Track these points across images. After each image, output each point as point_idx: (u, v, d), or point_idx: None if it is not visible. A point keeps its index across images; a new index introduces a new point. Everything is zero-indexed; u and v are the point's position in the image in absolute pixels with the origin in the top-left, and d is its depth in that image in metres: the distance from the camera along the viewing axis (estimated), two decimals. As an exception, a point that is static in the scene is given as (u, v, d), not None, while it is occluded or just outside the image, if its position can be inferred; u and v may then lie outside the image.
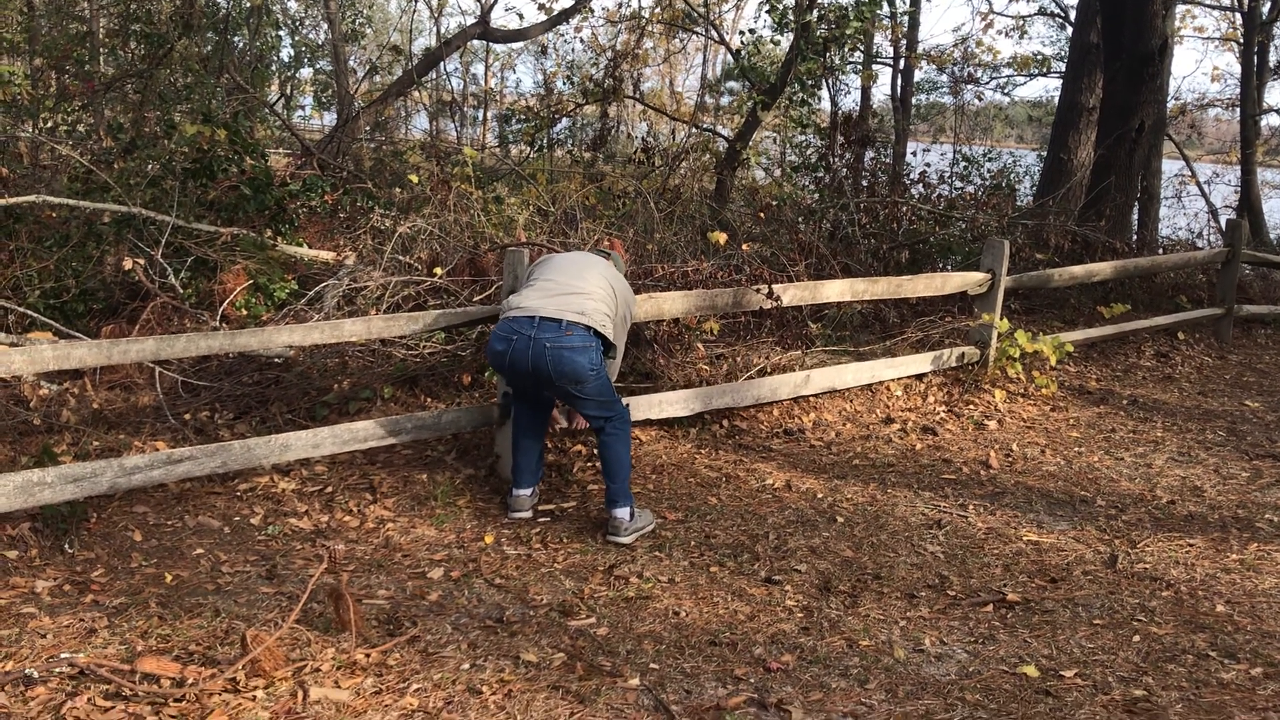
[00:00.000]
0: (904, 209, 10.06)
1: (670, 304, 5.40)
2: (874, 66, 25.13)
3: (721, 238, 6.33)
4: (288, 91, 15.14)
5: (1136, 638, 3.69)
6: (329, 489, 4.68)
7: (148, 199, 6.55)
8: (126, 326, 5.89)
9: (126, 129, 7.33)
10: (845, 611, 3.85)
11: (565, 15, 13.07)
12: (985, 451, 5.83)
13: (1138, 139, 11.36)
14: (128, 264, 6.01)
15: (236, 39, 15.37)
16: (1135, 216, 14.61)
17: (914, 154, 20.13)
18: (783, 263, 7.05)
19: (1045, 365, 7.17)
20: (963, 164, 17.07)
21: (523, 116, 15.59)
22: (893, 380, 6.68)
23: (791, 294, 5.91)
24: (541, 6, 12.89)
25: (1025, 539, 4.62)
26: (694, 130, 17.13)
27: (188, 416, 5.12)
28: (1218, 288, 9.15)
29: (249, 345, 4.24)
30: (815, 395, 6.27)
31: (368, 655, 3.31)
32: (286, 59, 15.96)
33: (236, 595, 3.74)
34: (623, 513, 4.43)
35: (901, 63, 24.92)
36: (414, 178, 7.05)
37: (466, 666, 3.31)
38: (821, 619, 3.78)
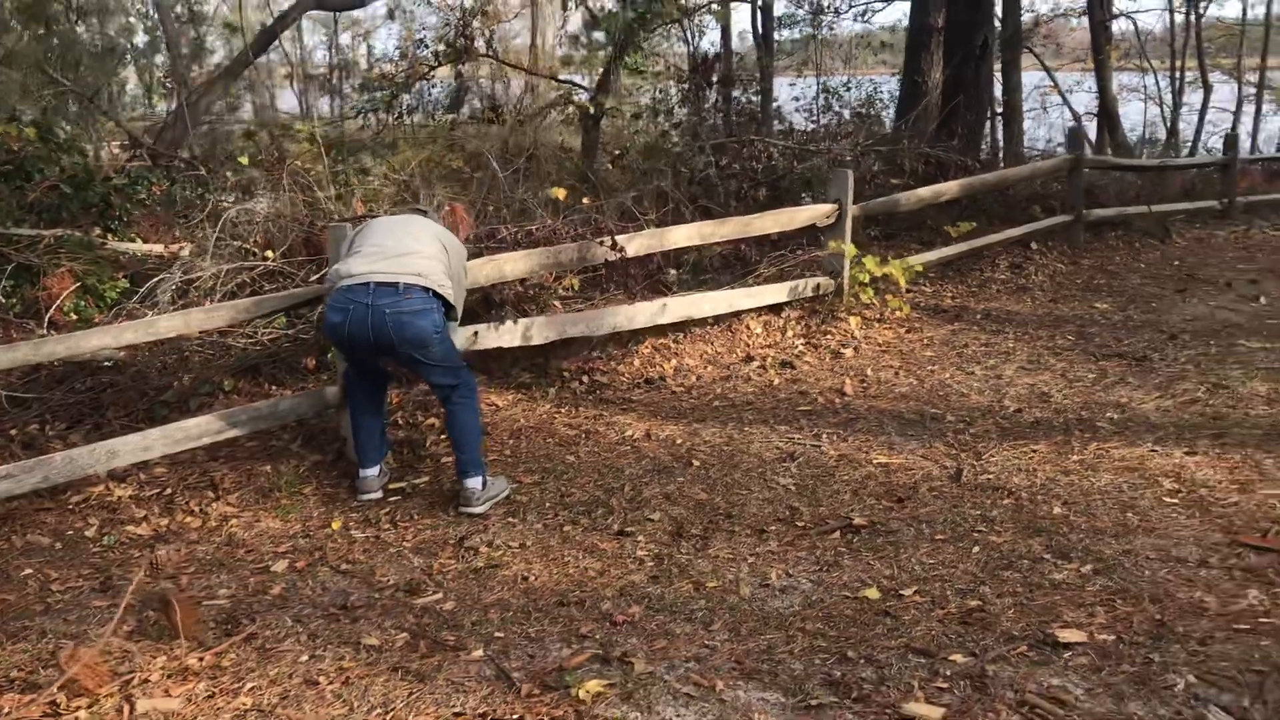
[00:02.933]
0: (759, 147, 10.07)
1: (512, 265, 5.32)
2: (731, 4, 25.11)
3: (561, 193, 6.25)
4: (148, 80, 14.42)
5: (976, 549, 3.77)
6: (168, 491, 4.52)
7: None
8: (-53, 344, 5.59)
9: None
10: (695, 555, 3.86)
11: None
12: (841, 379, 5.89)
13: (983, 55, 11.55)
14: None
15: (81, 28, 14.62)
16: (997, 133, 14.84)
17: (780, 91, 20.16)
18: (634, 213, 7.01)
19: (898, 289, 7.26)
20: (824, 96, 17.19)
21: (378, 85, 15.22)
22: (751, 316, 6.71)
23: (638, 243, 5.87)
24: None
25: (875, 462, 4.68)
26: (555, 85, 16.95)
27: (14, 432, 4.89)
28: (1067, 195, 9.37)
29: (56, 352, 4.05)
30: (674, 332, 6.27)
31: (201, 659, 3.21)
32: (141, 45, 15.26)
33: (67, 613, 3.59)
34: (474, 483, 4.36)
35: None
36: (243, 159, 6.82)
37: (305, 658, 3.23)
38: (671, 565, 3.78)
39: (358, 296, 4.12)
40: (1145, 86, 22.21)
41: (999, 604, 3.35)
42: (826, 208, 6.89)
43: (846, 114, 14.23)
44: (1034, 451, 4.71)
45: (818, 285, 6.89)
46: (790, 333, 6.71)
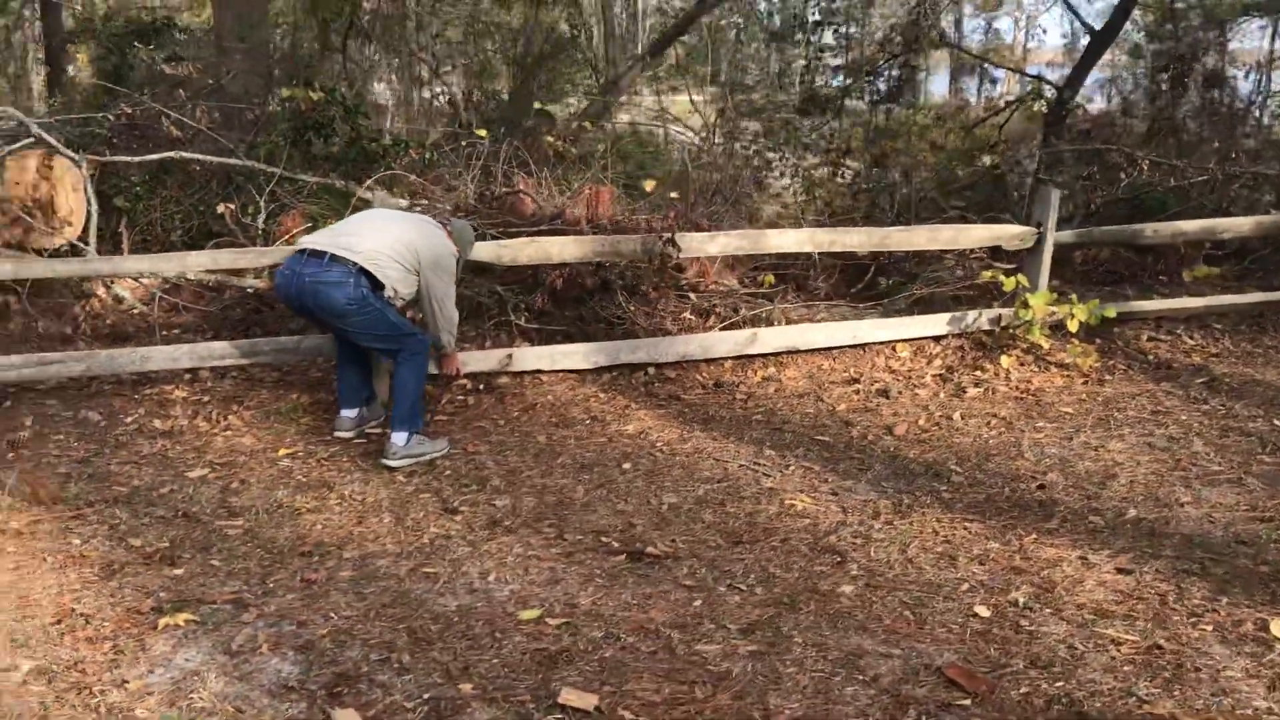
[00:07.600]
0: (1116, 157, 9.02)
1: (559, 248, 5.50)
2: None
3: (650, 184, 6.22)
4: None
5: (698, 602, 3.44)
6: (207, 399, 5.40)
7: (262, 155, 7.68)
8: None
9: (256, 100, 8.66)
10: (474, 544, 3.92)
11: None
12: (914, 418, 5.31)
13: None
14: (221, 208, 7.15)
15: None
16: None
17: None
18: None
19: (1068, 332, 6.17)
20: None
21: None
22: (900, 341, 6.18)
23: (720, 243, 5.71)
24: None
25: (787, 504, 4.29)
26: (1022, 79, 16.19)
27: (164, 331, 6.09)
28: None
29: (62, 272, 5.07)
30: (768, 355, 5.97)
31: (21, 520, 3.98)
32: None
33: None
34: (399, 437, 4.71)
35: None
36: (482, 132, 7.58)
37: (76, 541, 3.88)
38: (437, 546, 3.89)
39: (294, 264, 4.64)
40: None
41: (599, 655, 3.10)
42: (1016, 229, 6.10)
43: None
44: (966, 529, 4.02)
45: (998, 317, 6.14)
46: (938, 361, 6.08)
